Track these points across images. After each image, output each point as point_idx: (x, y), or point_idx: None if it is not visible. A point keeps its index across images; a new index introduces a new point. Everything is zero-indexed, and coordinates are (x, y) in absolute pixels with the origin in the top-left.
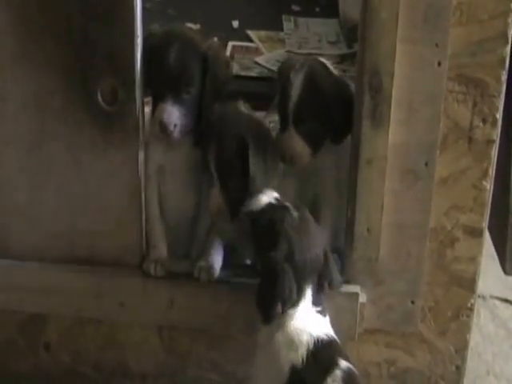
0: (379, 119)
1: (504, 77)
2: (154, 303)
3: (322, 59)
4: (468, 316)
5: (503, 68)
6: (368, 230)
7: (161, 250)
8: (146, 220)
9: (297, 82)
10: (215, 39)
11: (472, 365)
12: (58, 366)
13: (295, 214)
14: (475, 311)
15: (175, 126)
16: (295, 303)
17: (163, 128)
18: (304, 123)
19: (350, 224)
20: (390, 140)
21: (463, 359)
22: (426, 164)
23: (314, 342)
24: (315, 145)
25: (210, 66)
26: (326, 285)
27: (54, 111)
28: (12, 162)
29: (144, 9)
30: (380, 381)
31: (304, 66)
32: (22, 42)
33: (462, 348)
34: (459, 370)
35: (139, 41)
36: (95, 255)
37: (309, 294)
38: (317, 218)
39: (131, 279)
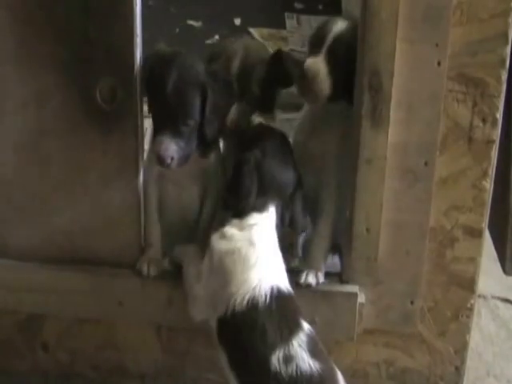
0: (379, 119)
1: (504, 77)
2: (152, 303)
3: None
4: (468, 316)
5: (503, 68)
6: (367, 229)
7: (156, 249)
8: (144, 219)
9: (341, 23)
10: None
11: (472, 365)
12: (56, 365)
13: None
14: (476, 311)
15: (172, 158)
16: (257, 210)
17: (160, 161)
18: (339, 60)
19: (349, 223)
20: (390, 140)
21: (463, 360)
22: (426, 164)
23: (275, 288)
24: (335, 83)
25: (209, 96)
26: (287, 218)
27: (52, 110)
28: (10, 162)
29: (147, 6)
30: (379, 381)
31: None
32: (22, 41)
33: (461, 348)
34: (459, 370)
35: (139, 40)
36: (94, 255)
37: (272, 213)
38: (317, 210)
39: (129, 279)
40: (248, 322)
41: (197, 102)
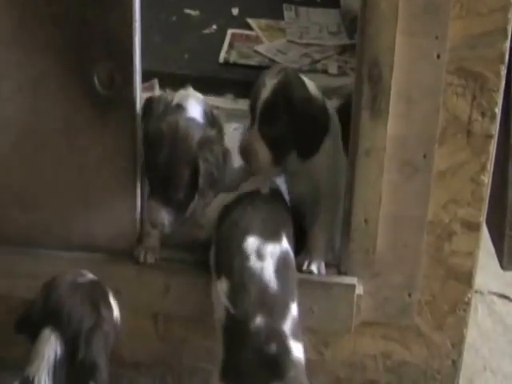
0: (378, 110)
1: (503, 72)
2: (148, 291)
3: (302, 75)
4: (465, 310)
5: (502, 63)
6: (365, 221)
7: (153, 237)
8: (142, 207)
9: (269, 84)
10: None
11: (469, 360)
12: None
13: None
14: (472, 306)
15: (163, 225)
16: None
17: (152, 226)
18: (269, 127)
19: (348, 215)
20: (389, 132)
21: (459, 354)
22: (425, 156)
23: None
24: (277, 152)
25: (201, 169)
26: None
27: (49, 94)
28: (7, 146)
29: None
30: (376, 374)
31: (281, 73)
32: (19, 24)
33: (458, 342)
34: (455, 364)
35: (137, 25)
36: (90, 242)
37: None
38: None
39: (126, 266)
40: None
41: (186, 178)
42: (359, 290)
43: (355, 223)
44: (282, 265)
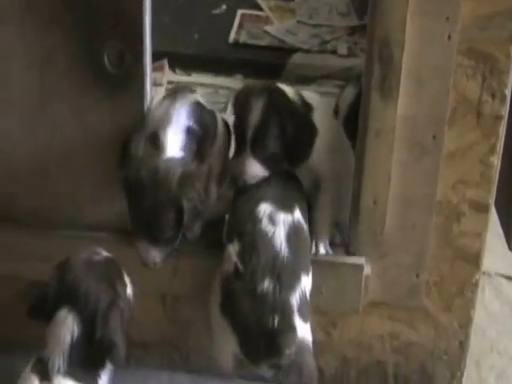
0: (388, 91)
1: None
2: (157, 271)
3: (281, 86)
4: (472, 292)
5: None
6: (374, 201)
7: None
8: None
9: (257, 106)
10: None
11: (476, 342)
12: None
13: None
14: (480, 288)
15: (155, 263)
16: None
17: (144, 265)
18: (262, 148)
19: (356, 196)
20: (399, 112)
21: (467, 335)
22: (434, 137)
23: None
24: (271, 168)
25: (185, 209)
26: None
27: (58, 72)
28: (15, 124)
29: None
30: (383, 354)
31: (264, 92)
32: (28, 2)
33: (465, 324)
34: (462, 345)
35: (148, 5)
36: (99, 221)
37: None
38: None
39: (134, 247)
40: None
41: (171, 220)
42: (367, 270)
43: (364, 204)
44: (293, 235)
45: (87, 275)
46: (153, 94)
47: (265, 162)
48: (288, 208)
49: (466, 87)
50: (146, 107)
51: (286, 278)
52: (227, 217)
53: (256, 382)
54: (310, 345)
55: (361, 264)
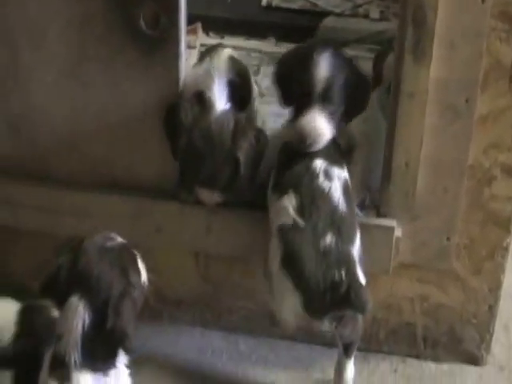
0: (421, 53)
1: None
2: (190, 230)
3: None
4: (503, 256)
5: None
6: (406, 164)
7: None
8: None
9: (323, 63)
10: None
11: (505, 306)
12: None
13: None
14: (510, 253)
15: (215, 204)
16: None
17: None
18: (329, 104)
19: (388, 158)
20: (432, 76)
21: (496, 299)
22: (467, 101)
23: None
24: (334, 125)
25: (241, 161)
26: None
27: (95, 34)
28: (52, 85)
29: None
30: (413, 316)
31: (326, 49)
32: None
33: (495, 288)
34: (491, 309)
35: None
36: (134, 180)
37: None
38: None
39: (168, 205)
40: None
41: (228, 173)
42: (398, 232)
43: (396, 166)
44: (346, 190)
45: (100, 262)
46: (186, 57)
47: (332, 117)
48: (339, 164)
49: (500, 51)
50: (180, 69)
51: (346, 231)
52: (274, 171)
53: (286, 339)
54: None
55: (392, 226)
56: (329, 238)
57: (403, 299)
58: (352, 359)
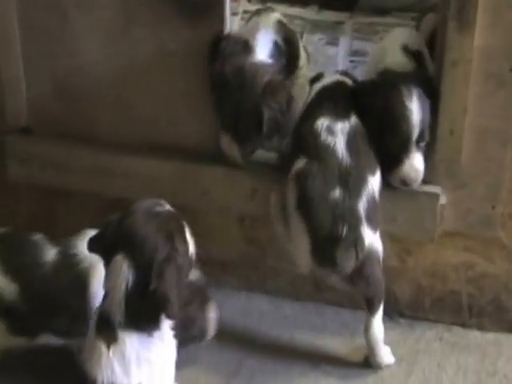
0: (465, 21)
1: None
2: (236, 193)
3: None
4: None
5: None
6: (450, 131)
7: None
8: None
9: (414, 106)
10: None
11: None
12: None
13: None
14: None
15: (236, 157)
16: None
17: (228, 159)
18: (422, 141)
19: (433, 125)
20: (476, 43)
21: None
22: (511, 70)
23: None
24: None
25: (265, 116)
26: None
27: (141, 0)
28: (99, 49)
29: None
30: (458, 284)
31: (412, 87)
32: None
33: None
34: None
35: None
36: (179, 143)
37: None
38: None
39: (214, 168)
40: None
41: (253, 123)
42: (443, 199)
43: (440, 134)
44: (353, 140)
45: (146, 225)
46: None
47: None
48: (344, 116)
49: None
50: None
51: (352, 185)
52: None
53: (331, 305)
54: (379, 253)
55: (436, 193)
56: (337, 192)
57: (448, 267)
58: (377, 317)
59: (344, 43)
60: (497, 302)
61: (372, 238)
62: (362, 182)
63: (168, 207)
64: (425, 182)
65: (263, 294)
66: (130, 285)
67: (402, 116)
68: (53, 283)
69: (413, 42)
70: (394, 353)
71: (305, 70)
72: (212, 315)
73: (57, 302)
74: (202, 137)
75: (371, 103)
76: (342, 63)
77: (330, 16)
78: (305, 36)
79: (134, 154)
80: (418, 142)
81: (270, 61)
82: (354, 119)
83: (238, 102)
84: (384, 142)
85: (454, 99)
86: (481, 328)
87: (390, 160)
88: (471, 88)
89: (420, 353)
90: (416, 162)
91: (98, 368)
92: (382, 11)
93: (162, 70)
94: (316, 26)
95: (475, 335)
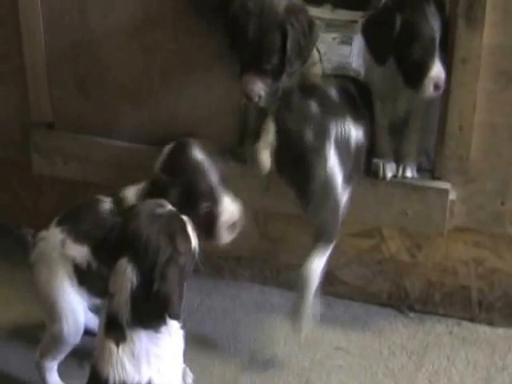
0: (474, 19)
1: None
2: (250, 187)
3: None
4: None
5: None
6: (460, 127)
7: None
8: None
9: (433, 11)
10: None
11: None
12: None
13: None
14: None
15: (260, 96)
16: None
17: (248, 99)
18: (444, 48)
19: (443, 121)
20: (485, 41)
21: None
22: None
23: None
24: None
25: (289, 35)
26: None
27: (160, 1)
28: (121, 47)
29: None
30: (468, 279)
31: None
32: None
33: None
34: None
35: None
36: (196, 139)
37: None
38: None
39: (229, 163)
40: None
41: (277, 43)
42: (452, 195)
43: (450, 130)
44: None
45: (148, 227)
46: None
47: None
48: None
49: None
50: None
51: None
52: None
53: (342, 298)
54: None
55: (446, 189)
56: (314, 107)
57: (458, 262)
58: (319, 249)
59: (358, 42)
60: (506, 297)
61: (334, 163)
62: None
63: (169, 207)
64: (435, 177)
65: (276, 287)
66: (134, 286)
67: (426, 23)
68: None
69: None
70: (403, 346)
71: (317, 68)
72: None
73: None
74: (218, 133)
75: (396, 17)
76: (356, 62)
77: (344, 15)
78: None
79: (153, 148)
80: (440, 48)
81: None
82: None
83: (261, 28)
84: (411, 52)
85: (464, 96)
86: (490, 323)
87: (419, 70)
88: (480, 85)
89: (430, 347)
90: (441, 67)
91: (110, 367)
92: None
93: (182, 69)
94: (330, 25)
95: (484, 330)
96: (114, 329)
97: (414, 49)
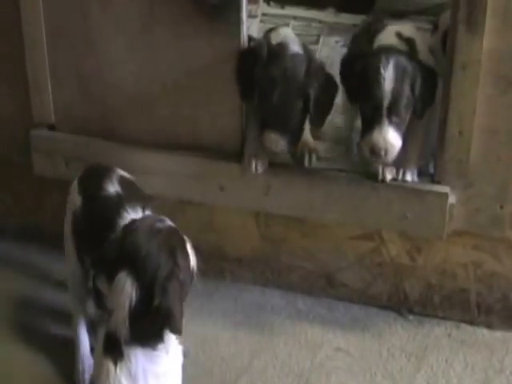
0: (474, 24)
1: None
2: (251, 189)
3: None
4: None
5: None
6: (460, 132)
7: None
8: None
9: (388, 75)
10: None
11: None
12: None
13: None
14: None
15: (283, 151)
16: None
17: (273, 153)
18: (396, 115)
19: (442, 126)
20: (485, 46)
21: None
22: None
23: None
24: (403, 132)
25: (311, 96)
26: None
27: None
28: (121, 48)
29: None
30: (467, 282)
31: (390, 57)
32: None
33: None
34: None
35: None
36: (197, 141)
37: None
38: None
39: (231, 165)
40: None
41: (300, 106)
42: (452, 199)
43: (450, 134)
44: None
45: (148, 242)
46: (248, 25)
47: (398, 126)
48: None
49: None
50: (242, 35)
51: None
52: None
53: (343, 300)
54: None
55: (446, 193)
56: None
57: (457, 265)
58: None
59: None
60: (505, 300)
61: None
62: None
63: (169, 222)
64: (434, 181)
65: (277, 288)
66: (134, 301)
67: (374, 80)
68: None
69: (406, 30)
70: (403, 348)
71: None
72: None
73: None
74: (220, 137)
75: (354, 67)
76: None
77: (347, 19)
78: (322, 38)
79: (155, 151)
80: (390, 113)
81: (302, 51)
82: None
83: (285, 96)
84: (361, 106)
85: (464, 100)
86: (489, 326)
87: (365, 127)
88: (480, 89)
89: (429, 349)
90: (386, 133)
91: None
92: (399, 14)
93: (181, 68)
94: (333, 29)
95: (483, 333)
96: (113, 347)
97: (361, 103)
